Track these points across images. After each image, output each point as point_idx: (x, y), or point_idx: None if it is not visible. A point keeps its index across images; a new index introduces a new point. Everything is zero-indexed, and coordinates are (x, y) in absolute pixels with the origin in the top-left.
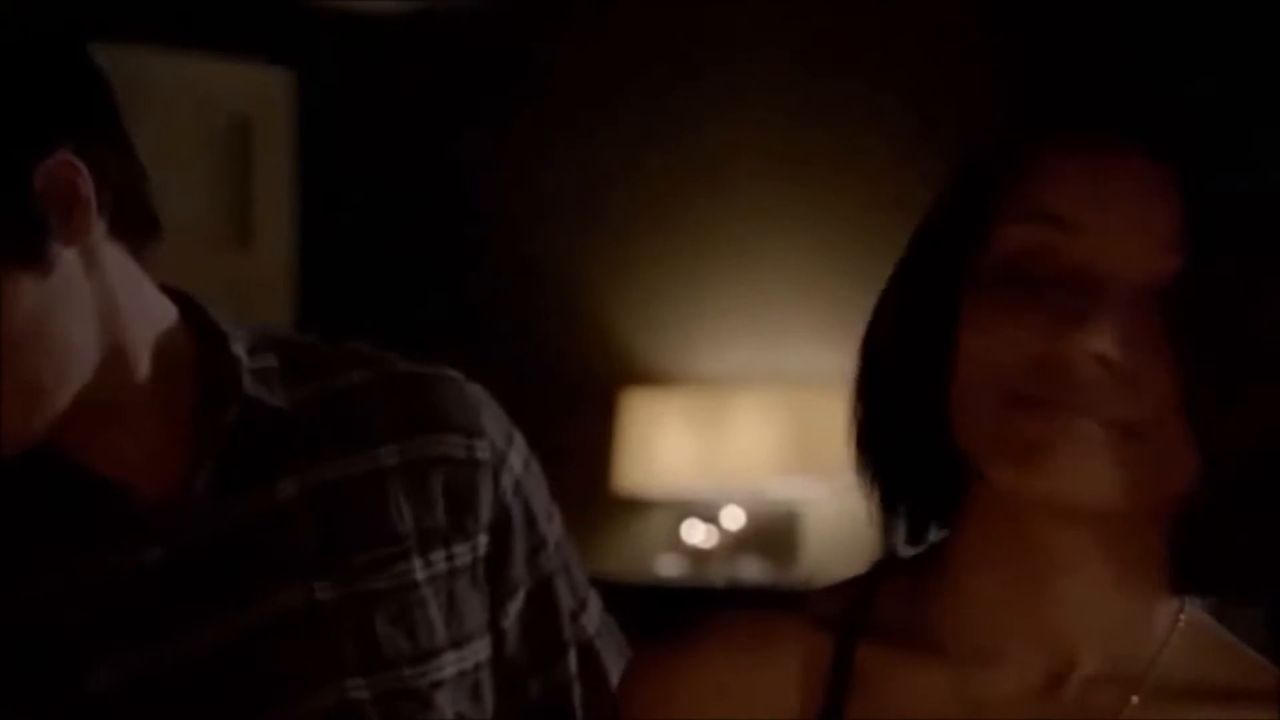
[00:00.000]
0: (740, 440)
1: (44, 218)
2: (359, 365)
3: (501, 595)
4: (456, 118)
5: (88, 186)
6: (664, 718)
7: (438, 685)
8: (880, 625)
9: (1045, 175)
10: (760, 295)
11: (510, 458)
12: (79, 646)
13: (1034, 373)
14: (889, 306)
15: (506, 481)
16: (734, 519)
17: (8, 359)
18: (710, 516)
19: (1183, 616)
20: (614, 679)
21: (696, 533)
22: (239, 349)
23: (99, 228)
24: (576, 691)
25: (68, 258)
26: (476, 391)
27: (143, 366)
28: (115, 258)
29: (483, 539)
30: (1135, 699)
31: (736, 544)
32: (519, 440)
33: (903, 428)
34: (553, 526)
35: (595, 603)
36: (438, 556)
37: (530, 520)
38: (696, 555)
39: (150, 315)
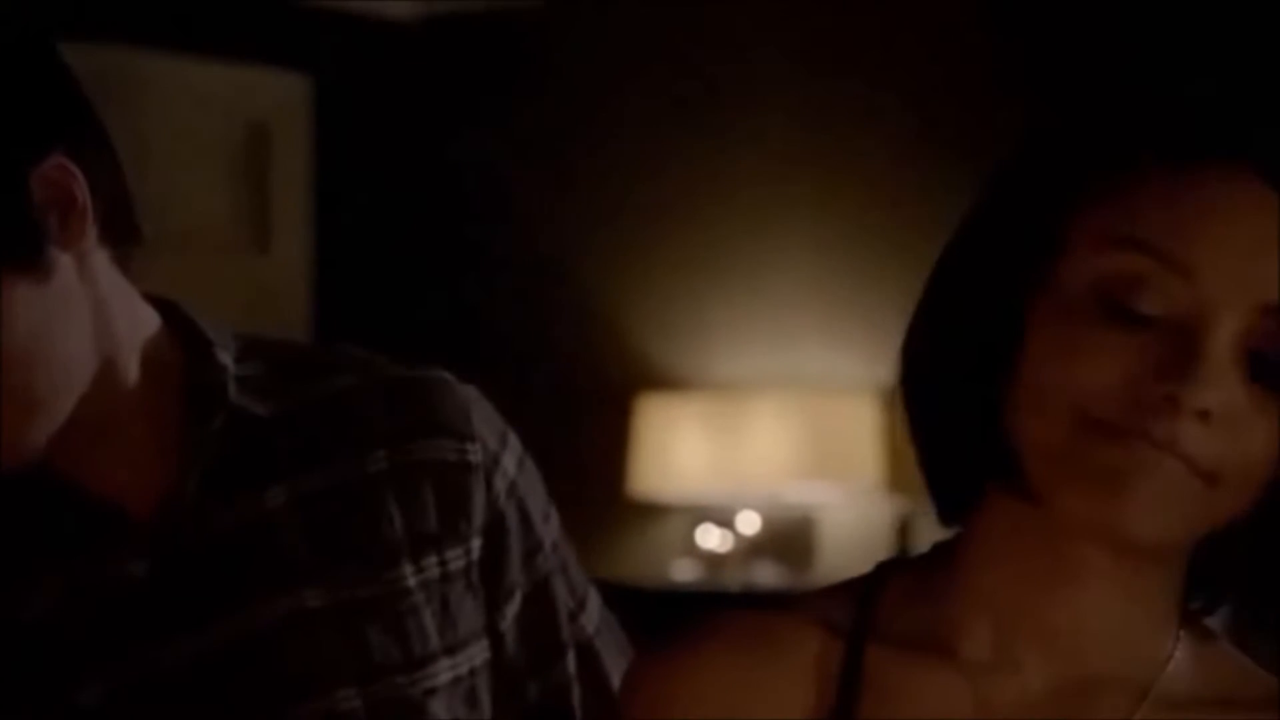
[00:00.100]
0: (756, 445)
1: (42, 222)
2: (348, 370)
3: (498, 598)
4: (470, 123)
5: (83, 191)
6: (666, 718)
7: (432, 692)
8: (888, 626)
9: (1147, 201)
10: (776, 300)
11: (504, 460)
12: (67, 662)
13: (1121, 403)
14: (939, 314)
15: (500, 484)
16: (749, 524)
17: (8, 369)
18: (726, 521)
19: (1187, 625)
20: (615, 678)
21: (712, 538)
22: (225, 357)
23: (91, 234)
24: (576, 692)
25: (65, 263)
26: (469, 393)
27: (131, 376)
28: (105, 265)
29: (476, 543)
30: (1141, 709)
31: (752, 549)
32: (513, 441)
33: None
34: (549, 527)
35: (594, 601)
36: (430, 562)
37: (526, 522)
38: (712, 560)
39: (138, 323)
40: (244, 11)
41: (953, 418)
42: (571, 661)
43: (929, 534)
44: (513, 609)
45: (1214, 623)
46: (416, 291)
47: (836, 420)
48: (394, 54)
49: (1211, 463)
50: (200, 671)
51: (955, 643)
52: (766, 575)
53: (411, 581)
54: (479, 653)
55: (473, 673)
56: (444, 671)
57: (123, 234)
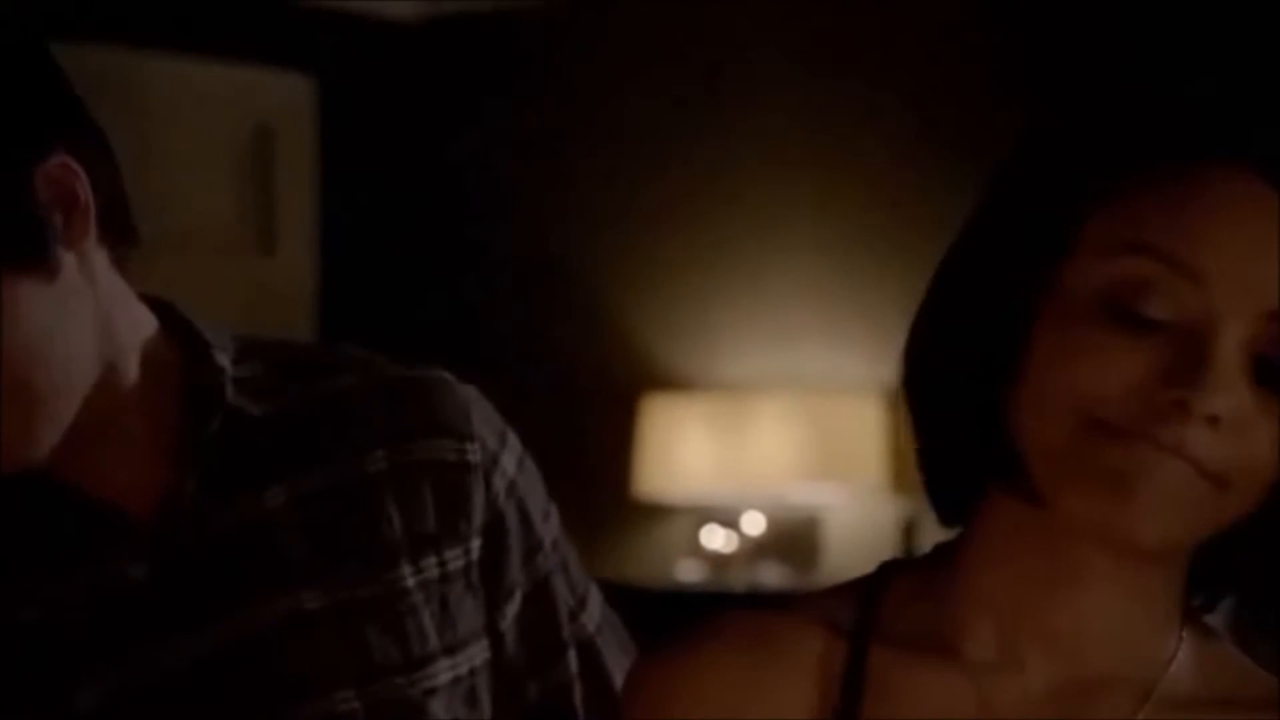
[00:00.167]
0: (761, 445)
1: (47, 220)
2: (348, 370)
3: (498, 598)
4: (474, 123)
5: (85, 190)
6: (668, 718)
7: (431, 693)
8: (891, 626)
9: (1152, 203)
10: (782, 301)
11: (503, 459)
12: (65, 665)
13: (1128, 406)
14: (943, 315)
15: (499, 484)
16: (754, 524)
17: (15, 369)
18: (731, 522)
19: (1188, 624)
20: (617, 677)
21: (717, 538)
22: (222, 358)
23: (92, 233)
24: (577, 691)
25: (69, 262)
26: (468, 393)
27: (131, 377)
28: (104, 265)
29: (476, 543)
30: (1144, 710)
31: (757, 549)
32: (512, 440)
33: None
34: (549, 526)
35: (595, 600)
36: (429, 563)
37: (525, 522)
38: (717, 560)
39: (136, 325)
40: (248, 12)
41: (955, 418)
42: (573, 660)
43: (934, 534)
44: (513, 608)
45: (1215, 622)
46: (421, 292)
47: (842, 421)
48: (397, 54)
49: (1219, 466)
50: (199, 673)
51: (958, 643)
52: (771, 576)
53: (410, 582)
54: (479, 653)
55: (472, 673)
56: (443, 672)
57: (120, 234)
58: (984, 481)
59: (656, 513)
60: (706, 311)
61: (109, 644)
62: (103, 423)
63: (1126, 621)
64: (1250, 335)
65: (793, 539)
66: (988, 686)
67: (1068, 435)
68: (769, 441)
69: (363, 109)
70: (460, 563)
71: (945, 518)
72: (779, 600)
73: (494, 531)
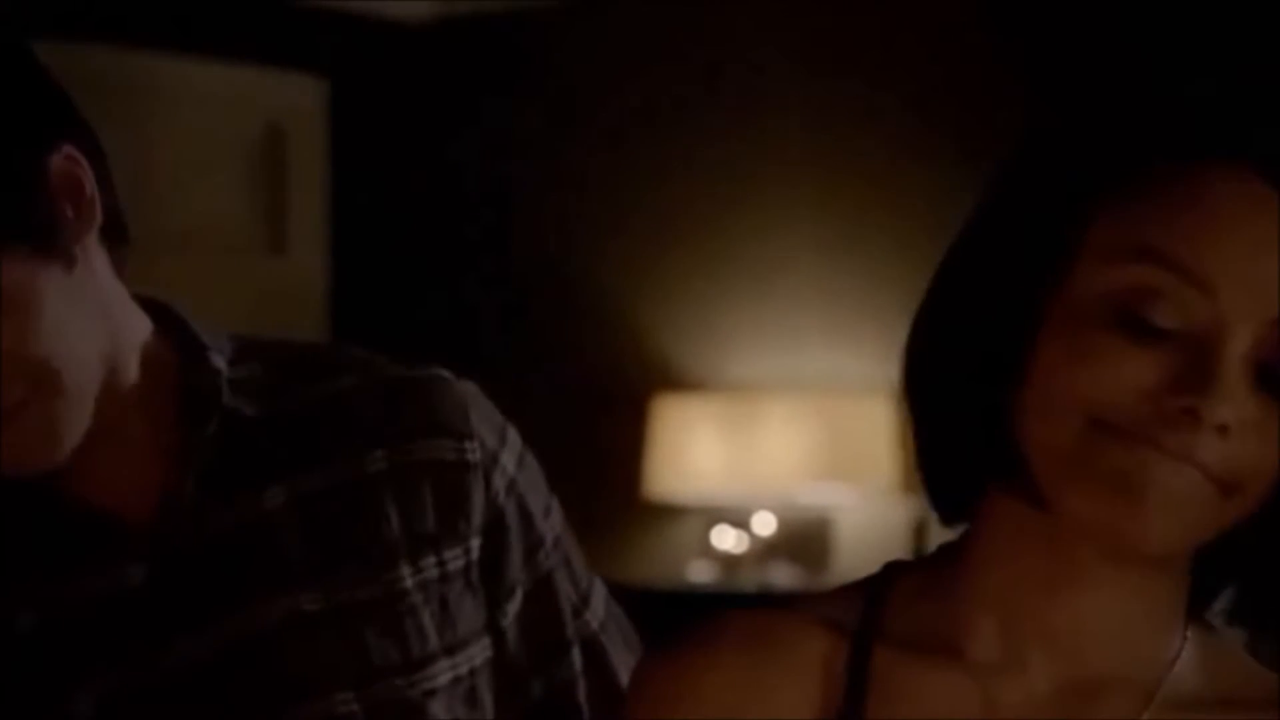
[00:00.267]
0: (772, 446)
1: (62, 209)
2: (345, 370)
3: (499, 597)
4: (485, 124)
5: (90, 182)
6: (673, 718)
7: (431, 694)
8: (894, 627)
9: (1156, 207)
10: (792, 302)
11: (503, 457)
12: (63, 671)
13: (1135, 412)
14: (945, 317)
15: (499, 482)
16: (765, 525)
17: (46, 361)
18: (741, 522)
19: (1191, 625)
20: (623, 673)
21: (727, 539)
22: (219, 360)
23: (95, 229)
24: (581, 688)
25: (79, 256)
26: (467, 391)
27: (130, 379)
28: (104, 264)
29: (475, 542)
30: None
31: (768, 550)
32: (513, 438)
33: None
34: (550, 523)
35: (599, 596)
36: (428, 563)
37: (526, 519)
38: (727, 561)
39: (134, 326)
40: (259, 14)
41: (956, 419)
42: (577, 658)
43: (944, 535)
44: (514, 607)
45: (1216, 620)
46: (432, 292)
47: (852, 421)
48: (408, 55)
49: (1226, 471)
50: (198, 675)
51: (962, 643)
52: (782, 577)
53: (409, 582)
54: (479, 652)
55: (473, 672)
56: (444, 672)
57: (117, 234)
58: (984, 482)
59: (667, 513)
60: (717, 312)
61: (107, 647)
62: (102, 425)
63: (1129, 622)
64: (1254, 341)
65: (803, 540)
66: (992, 687)
67: (1074, 438)
68: (780, 442)
69: (373, 110)
70: (460, 562)
71: (947, 517)
72: (786, 600)
73: (494, 530)
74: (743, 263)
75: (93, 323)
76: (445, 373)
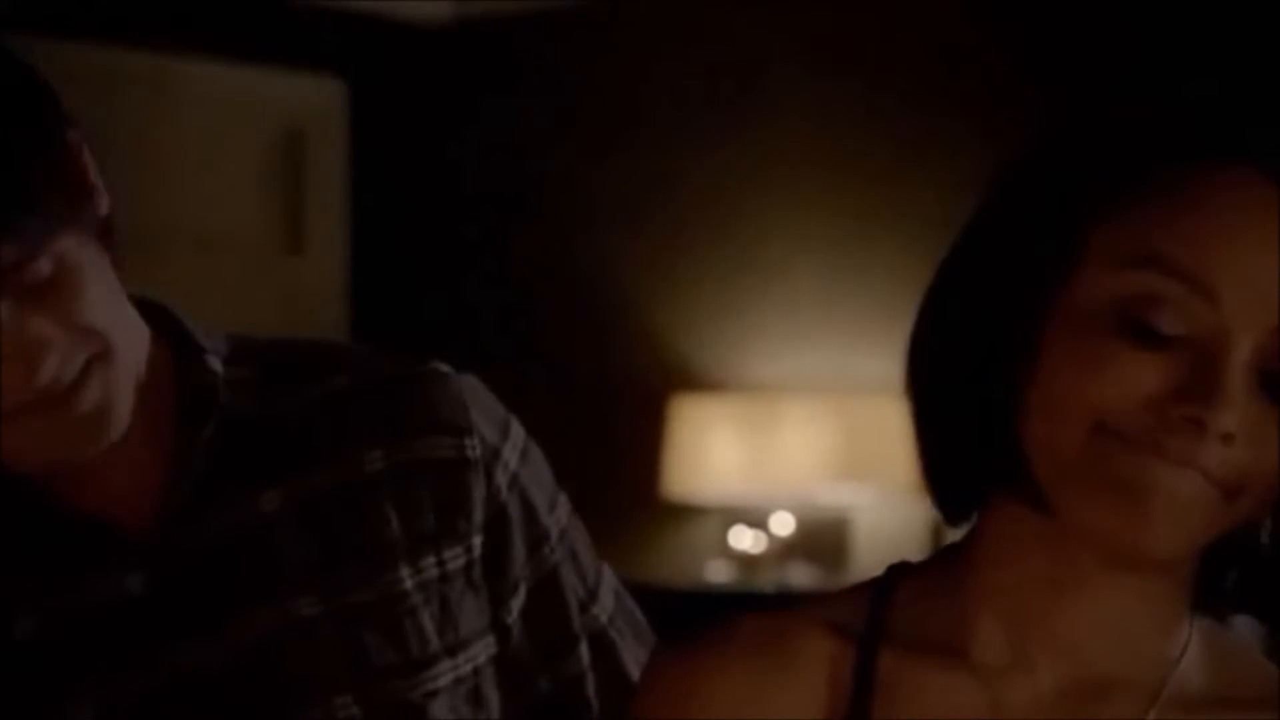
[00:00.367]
0: (790, 446)
1: (93, 190)
2: (343, 369)
3: (502, 594)
4: (506, 126)
5: (94, 169)
6: (682, 717)
7: (433, 695)
8: (899, 630)
9: (1160, 212)
10: (810, 302)
11: (504, 452)
12: (61, 682)
13: (1140, 418)
14: (948, 318)
15: (501, 478)
16: (783, 525)
17: (105, 335)
18: (759, 523)
19: (1195, 624)
20: (633, 666)
21: (745, 539)
22: (215, 362)
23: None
24: (590, 683)
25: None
26: (467, 386)
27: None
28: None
29: (477, 540)
30: (1154, 710)
31: (786, 550)
32: (515, 430)
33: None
34: (555, 516)
35: (608, 589)
36: (428, 563)
37: (529, 514)
38: (746, 561)
39: (135, 326)
40: (278, 16)
41: (959, 420)
42: (585, 652)
43: (961, 535)
44: (518, 603)
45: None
46: (451, 293)
47: (870, 421)
48: (428, 56)
49: (1231, 477)
50: (197, 683)
51: (967, 644)
52: (800, 577)
53: (409, 584)
54: (483, 650)
55: (476, 672)
56: (445, 673)
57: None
58: (985, 484)
59: (685, 513)
60: (735, 313)
61: (107, 655)
62: None
63: (1133, 622)
64: (1257, 348)
65: (821, 539)
66: (998, 688)
67: (1078, 444)
68: (798, 442)
69: (391, 110)
70: (461, 561)
71: (951, 518)
72: (794, 601)
73: (496, 526)
74: (760, 263)
75: (124, 306)
76: (445, 367)
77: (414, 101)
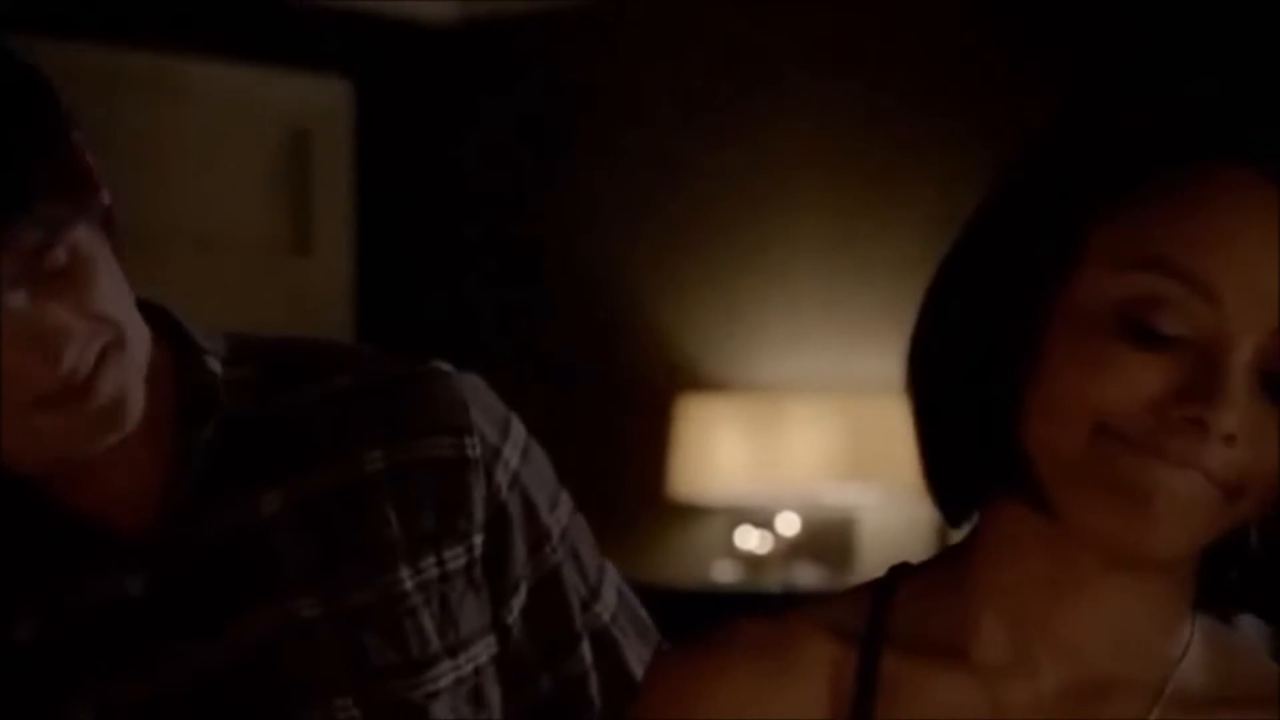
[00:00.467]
0: (796, 446)
1: (100, 184)
2: (342, 369)
3: (504, 593)
4: (510, 125)
5: (95, 164)
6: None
7: (434, 695)
8: (900, 631)
9: (1161, 213)
10: (816, 302)
11: (504, 451)
12: (61, 685)
13: (1143, 420)
14: (947, 318)
15: (501, 477)
16: (789, 525)
17: (121, 326)
18: (765, 522)
19: (1196, 623)
20: (636, 664)
21: (751, 539)
22: (214, 364)
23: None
24: (593, 681)
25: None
26: (468, 385)
27: None
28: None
29: (478, 539)
30: (1156, 709)
31: (792, 550)
32: (516, 429)
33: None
34: (557, 515)
35: (610, 587)
36: (428, 563)
37: (530, 513)
38: (751, 561)
39: (140, 322)
40: (286, 17)
41: (960, 421)
42: (587, 651)
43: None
44: (519, 602)
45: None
46: (457, 293)
47: (876, 421)
48: (434, 57)
49: (1233, 478)
50: (196, 685)
51: (968, 645)
52: (806, 577)
53: (409, 584)
54: (484, 650)
55: (477, 671)
56: (446, 673)
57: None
58: (986, 485)
59: (691, 513)
60: (741, 313)
61: (107, 657)
62: None
63: (1134, 622)
64: (1258, 349)
65: (827, 540)
66: (999, 689)
67: (1080, 446)
68: (803, 442)
69: (397, 110)
70: (461, 561)
71: (951, 518)
72: (797, 600)
73: (497, 526)
74: (766, 263)
75: (130, 298)
76: (445, 366)
77: (420, 101)
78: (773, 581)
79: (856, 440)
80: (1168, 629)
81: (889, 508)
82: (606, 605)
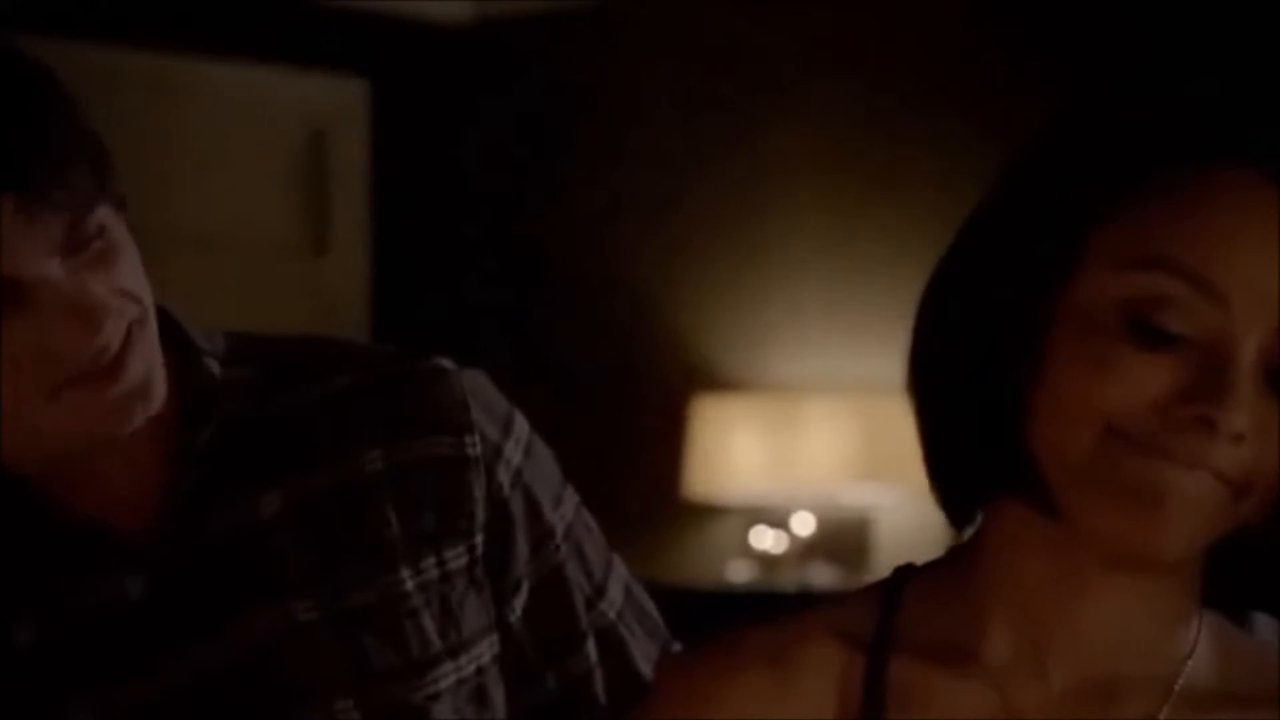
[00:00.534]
0: (811, 446)
1: (111, 160)
2: (342, 369)
3: (506, 591)
4: (527, 127)
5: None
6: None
7: (435, 697)
8: (907, 633)
9: (1163, 213)
10: (831, 302)
11: (506, 449)
12: (61, 688)
13: (1150, 420)
14: (947, 318)
15: (503, 475)
16: (804, 525)
17: (137, 298)
18: (781, 522)
19: (1204, 620)
20: (643, 661)
21: (767, 539)
22: (213, 364)
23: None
24: (598, 679)
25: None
26: (469, 382)
27: None
28: None
29: (479, 538)
30: (1165, 708)
31: (807, 550)
32: (519, 426)
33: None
34: (561, 511)
35: (617, 584)
36: (428, 563)
37: (533, 510)
38: (767, 561)
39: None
40: (301, 16)
41: (963, 422)
42: (592, 649)
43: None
44: (521, 601)
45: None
46: (474, 293)
47: (892, 422)
48: (451, 56)
49: (1240, 476)
50: (197, 687)
51: (976, 647)
52: (821, 577)
53: (409, 585)
54: (486, 650)
55: (480, 671)
56: (447, 675)
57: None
58: (990, 487)
59: (707, 513)
60: (756, 313)
61: (107, 660)
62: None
63: (1141, 622)
64: (1263, 347)
65: (843, 540)
66: (1007, 690)
67: (1089, 448)
68: (819, 442)
69: (414, 110)
70: (462, 561)
71: (955, 520)
72: (812, 601)
73: (498, 524)
74: (780, 263)
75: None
76: (446, 364)
77: (436, 101)
78: (788, 582)
79: (872, 440)
80: (1174, 627)
81: (904, 508)
82: (613, 603)
